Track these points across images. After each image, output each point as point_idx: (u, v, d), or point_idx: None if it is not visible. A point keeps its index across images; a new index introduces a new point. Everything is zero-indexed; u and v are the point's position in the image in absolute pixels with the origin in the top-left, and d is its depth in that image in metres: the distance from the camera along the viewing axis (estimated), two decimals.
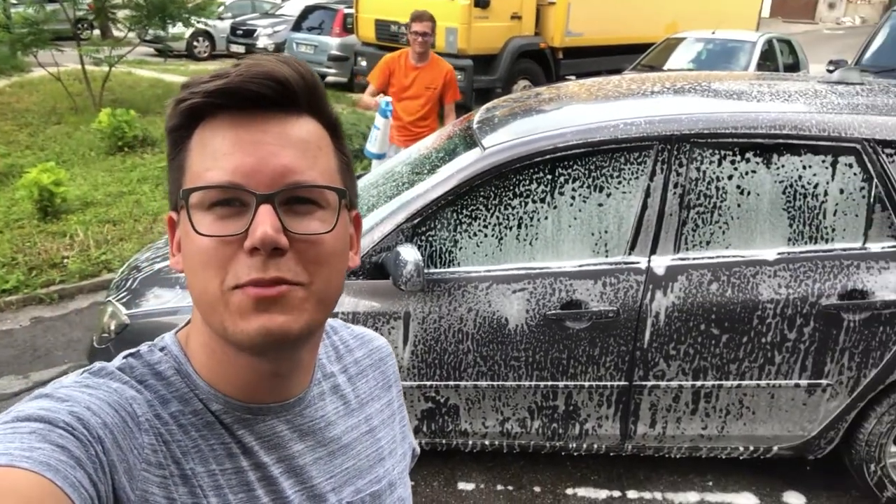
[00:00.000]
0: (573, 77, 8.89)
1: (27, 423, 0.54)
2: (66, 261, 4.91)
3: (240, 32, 15.05)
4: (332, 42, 11.99)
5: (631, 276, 2.52)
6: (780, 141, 2.48)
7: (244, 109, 0.61)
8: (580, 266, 2.55)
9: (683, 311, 2.50)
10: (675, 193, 2.52)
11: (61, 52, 9.32)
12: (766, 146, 2.49)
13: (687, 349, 2.53)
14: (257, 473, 0.67)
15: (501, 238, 2.58)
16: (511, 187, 2.56)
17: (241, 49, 14.78)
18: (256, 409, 0.68)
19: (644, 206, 2.53)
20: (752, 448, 2.73)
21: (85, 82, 9.34)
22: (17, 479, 0.49)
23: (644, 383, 2.59)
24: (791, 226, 2.51)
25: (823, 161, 2.48)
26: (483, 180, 2.55)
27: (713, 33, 9.09)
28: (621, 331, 2.53)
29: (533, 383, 2.61)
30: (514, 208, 2.57)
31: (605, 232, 2.56)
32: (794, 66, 9.29)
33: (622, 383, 2.60)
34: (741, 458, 2.77)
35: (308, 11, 12.96)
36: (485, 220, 2.57)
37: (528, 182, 2.56)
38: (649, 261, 2.53)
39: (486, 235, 2.58)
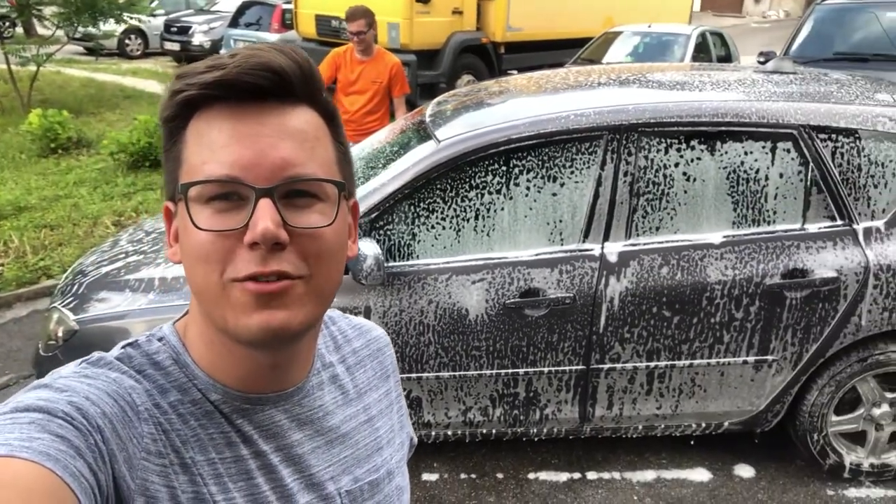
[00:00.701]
0: (515, 72, 8.99)
1: (26, 413, 0.54)
2: (1, 268, 4.70)
3: (174, 30, 14.59)
4: (271, 38, 11.76)
5: (585, 262, 2.59)
6: (723, 129, 2.58)
7: (241, 101, 0.61)
8: (537, 255, 2.60)
9: (636, 295, 2.58)
10: (625, 182, 2.59)
11: None
12: (710, 134, 2.59)
13: (640, 332, 2.62)
14: (257, 462, 0.68)
15: (459, 230, 2.60)
16: (467, 179, 2.59)
17: (177, 47, 14.36)
18: (255, 398, 0.69)
19: (596, 195, 2.60)
20: (704, 424, 2.84)
21: (11, 82, 8.93)
22: (17, 470, 0.48)
23: (601, 366, 2.67)
24: (735, 210, 2.61)
25: (763, 147, 2.59)
26: (439, 173, 2.57)
27: (649, 27, 9.35)
28: (578, 316, 2.59)
29: (494, 371, 2.65)
30: (470, 200, 2.60)
31: (560, 221, 2.61)
32: (726, 58, 9.64)
33: (580, 367, 2.67)
34: (694, 434, 2.88)
35: (245, 7, 12.73)
36: (442, 213, 2.60)
37: (483, 174, 2.59)
38: (602, 248, 2.60)
39: (444, 227, 2.60)
